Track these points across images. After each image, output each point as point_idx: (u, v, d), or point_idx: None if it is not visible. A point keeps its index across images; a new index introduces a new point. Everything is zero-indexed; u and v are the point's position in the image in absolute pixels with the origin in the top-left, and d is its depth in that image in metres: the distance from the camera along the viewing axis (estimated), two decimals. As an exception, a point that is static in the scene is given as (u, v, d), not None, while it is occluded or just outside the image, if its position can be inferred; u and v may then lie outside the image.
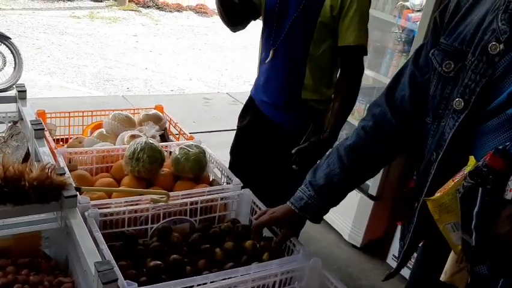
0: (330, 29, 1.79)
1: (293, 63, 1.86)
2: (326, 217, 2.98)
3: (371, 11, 2.77)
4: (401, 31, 2.72)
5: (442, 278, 0.92)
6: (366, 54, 1.85)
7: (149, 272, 1.13)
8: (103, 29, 8.59)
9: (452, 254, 0.91)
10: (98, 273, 0.90)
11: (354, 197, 2.82)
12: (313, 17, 1.77)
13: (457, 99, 0.92)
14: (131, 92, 5.84)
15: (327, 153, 1.23)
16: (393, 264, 2.75)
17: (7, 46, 4.89)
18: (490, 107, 0.88)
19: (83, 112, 1.79)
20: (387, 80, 2.70)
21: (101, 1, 10.30)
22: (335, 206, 1.25)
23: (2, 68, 4.98)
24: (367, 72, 2.86)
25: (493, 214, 0.77)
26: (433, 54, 1.01)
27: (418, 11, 2.58)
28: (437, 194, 0.87)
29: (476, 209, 0.78)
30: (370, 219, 2.81)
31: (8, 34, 5.07)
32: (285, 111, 1.92)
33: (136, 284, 0.99)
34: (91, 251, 0.99)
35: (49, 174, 1.14)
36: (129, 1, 10.30)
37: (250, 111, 2.06)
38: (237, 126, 2.13)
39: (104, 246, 1.07)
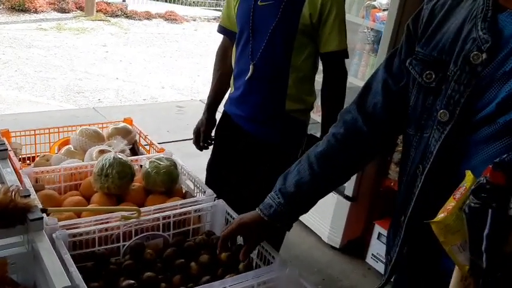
0: (309, 36, 1.78)
1: (275, 75, 1.83)
2: (305, 220, 3.01)
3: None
4: (369, 30, 2.74)
5: None
6: (347, 58, 1.86)
7: (122, 292, 1.11)
8: (71, 40, 8.45)
9: (455, 272, 0.86)
10: (67, 297, 0.87)
11: (331, 199, 2.83)
12: (292, 26, 1.75)
13: (441, 111, 0.91)
14: (103, 103, 5.75)
15: (299, 159, 1.21)
16: (373, 263, 2.78)
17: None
18: (477, 117, 0.87)
19: (49, 129, 1.74)
20: (358, 81, 2.73)
21: (68, 12, 10.13)
22: (305, 213, 1.22)
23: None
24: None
25: (503, 233, 0.75)
26: (411, 64, 0.99)
27: (385, 10, 2.60)
28: (441, 215, 0.82)
29: (486, 231, 0.76)
30: (348, 220, 2.82)
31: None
32: (265, 125, 1.88)
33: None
34: (60, 275, 0.96)
35: (13, 197, 1.10)
36: (97, 11, 10.16)
37: (226, 126, 2.01)
38: (214, 142, 2.09)
39: (73, 269, 1.04)
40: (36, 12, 9.73)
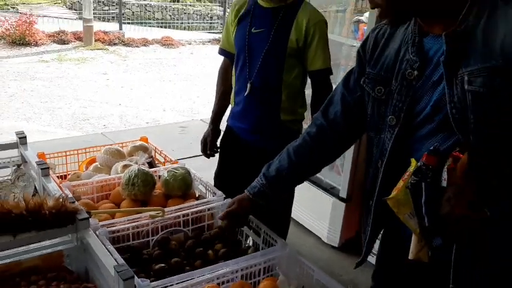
0: (297, 57, 2.07)
1: (269, 91, 2.10)
2: (304, 222, 3.28)
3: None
4: (358, 45, 3.00)
5: (410, 256, 1.14)
6: (332, 74, 2.16)
7: (156, 273, 1.37)
8: (72, 70, 8.78)
9: (413, 236, 1.14)
10: (118, 273, 1.13)
11: (327, 201, 3.10)
12: (282, 50, 2.04)
13: (390, 117, 1.18)
14: (108, 128, 6.04)
15: (281, 152, 1.50)
16: (369, 258, 3.02)
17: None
18: (418, 119, 1.14)
19: (77, 150, 2.03)
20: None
21: (67, 43, 10.49)
22: (283, 194, 1.59)
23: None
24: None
25: (436, 200, 1.03)
26: (364, 82, 1.26)
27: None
28: (393, 193, 1.11)
29: (423, 199, 1.05)
30: (344, 220, 3.07)
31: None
32: (264, 134, 2.15)
33: (149, 280, 1.22)
34: (108, 258, 1.22)
35: (63, 203, 1.37)
36: (95, 41, 10.51)
37: (230, 139, 2.30)
38: (219, 154, 2.37)
39: (117, 255, 1.31)
40: (37, 45, 10.09)
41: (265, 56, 2.05)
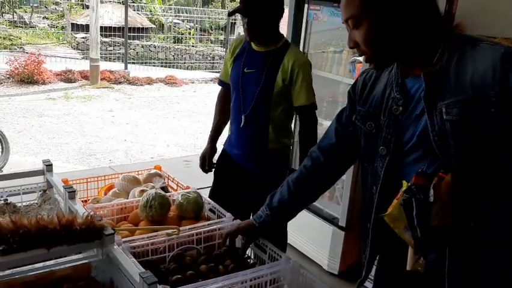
0: (283, 95, 2.34)
1: (259, 124, 2.40)
2: (306, 251, 3.42)
3: (322, 73, 3.35)
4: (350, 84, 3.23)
5: (408, 268, 1.29)
6: (316, 109, 2.42)
7: (173, 284, 1.52)
8: (79, 107, 9.05)
9: (409, 249, 1.29)
10: (143, 278, 1.29)
11: (327, 230, 3.24)
12: (270, 89, 2.33)
13: (381, 147, 1.36)
14: (114, 163, 6.22)
15: (282, 184, 1.69)
16: (368, 284, 3.13)
17: (-8, 132, 5.29)
18: (406, 148, 1.32)
19: (97, 177, 2.21)
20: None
21: (74, 82, 10.82)
22: (286, 221, 1.84)
23: (-10, 153, 5.35)
24: (325, 122, 3.39)
25: (426, 213, 1.20)
26: (356, 119, 1.45)
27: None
28: (389, 210, 1.28)
29: (414, 212, 1.22)
30: (344, 248, 3.21)
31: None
32: (255, 160, 2.45)
33: (169, 286, 1.38)
34: (133, 267, 1.38)
35: (91, 220, 1.54)
36: (101, 79, 10.85)
37: (225, 161, 2.58)
38: (214, 174, 2.64)
39: (139, 266, 1.47)
40: (44, 83, 10.39)
41: (258, 96, 2.35)
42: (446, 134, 1.20)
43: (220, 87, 2.69)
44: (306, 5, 3.22)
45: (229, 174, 2.56)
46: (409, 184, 1.24)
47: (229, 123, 2.58)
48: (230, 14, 2.49)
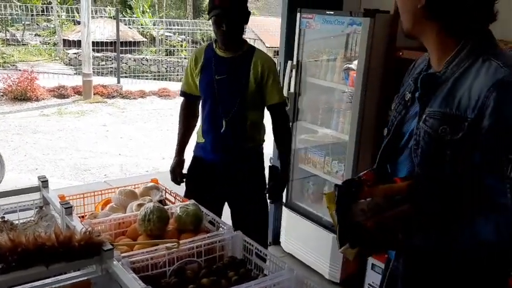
0: (256, 93, 2.46)
1: (238, 125, 2.49)
2: (307, 261, 3.39)
3: (317, 81, 3.35)
4: (350, 90, 3.19)
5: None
6: (287, 106, 2.59)
7: (174, 298, 1.49)
8: (72, 123, 9.01)
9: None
10: (144, 293, 1.27)
11: (327, 238, 3.22)
12: (244, 90, 2.44)
13: (385, 128, 1.39)
14: (109, 178, 6.18)
15: None
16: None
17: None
18: (401, 144, 1.32)
19: (94, 192, 2.18)
20: (339, 135, 3.20)
21: (67, 97, 10.78)
22: None
23: (-15, 171, 5.30)
24: (320, 129, 3.38)
25: (348, 205, 1.20)
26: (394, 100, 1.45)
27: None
28: (329, 191, 1.30)
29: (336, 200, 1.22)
30: (344, 256, 3.19)
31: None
32: (234, 160, 2.55)
33: (171, 301, 1.35)
34: (134, 283, 1.36)
35: (90, 236, 1.52)
36: (94, 94, 10.83)
37: (199, 166, 2.67)
38: (186, 180, 2.72)
39: (140, 281, 1.44)
40: (37, 100, 10.37)
41: (233, 98, 2.44)
42: (419, 141, 1.20)
43: (183, 98, 2.74)
44: (298, 14, 3.22)
45: (204, 176, 2.64)
46: (358, 175, 1.28)
47: (198, 132, 2.64)
48: (210, 16, 2.45)
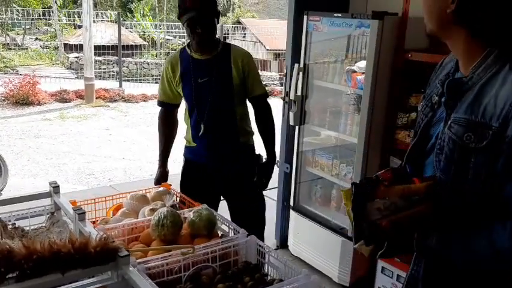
0: (240, 87, 2.51)
1: (228, 122, 2.54)
2: (316, 265, 3.38)
3: (324, 83, 3.33)
4: (352, 92, 3.18)
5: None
6: (268, 97, 2.68)
7: (191, 304, 1.48)
8: (75, 127, 9.01)
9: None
10: (163, 300, 1.25)
11: (336, 242, 3.20)
12: (230, 86, 2.48)
13: (412, 130, 1.37)
14: (113, 181, 6.17)
15: None
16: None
17: (-9, 155, 5.23)
18: (427, 147, 1.30)
19: (105, 197, 2.16)
20: (347, 137, 3.19)
21: (69, 102, 10.78)
22: None
23: (-12, 176, 5.29)
24: (328, 132, 3.37)
25: (365, 203, 1.18)
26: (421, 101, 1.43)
27: (364, 73, 3.07)
28: (347, 188, 1.29)
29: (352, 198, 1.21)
30: (353, 259, 3.17)
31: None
32: (228, 157, 2.58)
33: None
34: (151, 289, 1.34)
35: (105, 242, 1.50)
36: (96, 98, 10.82)
37: (192, 168, 2.67)
38: (182, 183, 2.68)
39: (155, 287, 1.43)
40: (39, 104, 10.37)
41: (219, 98, 2.48)
42: (444, 146, 1.19)
43: (161, 108, 2.71)
44: (305, 16, 3.21)
45: (198, 178, 2.65)
46: (375, 174, 1.25)
47: (188, 138, 2.64)
48: (184, 20, 2.41)
